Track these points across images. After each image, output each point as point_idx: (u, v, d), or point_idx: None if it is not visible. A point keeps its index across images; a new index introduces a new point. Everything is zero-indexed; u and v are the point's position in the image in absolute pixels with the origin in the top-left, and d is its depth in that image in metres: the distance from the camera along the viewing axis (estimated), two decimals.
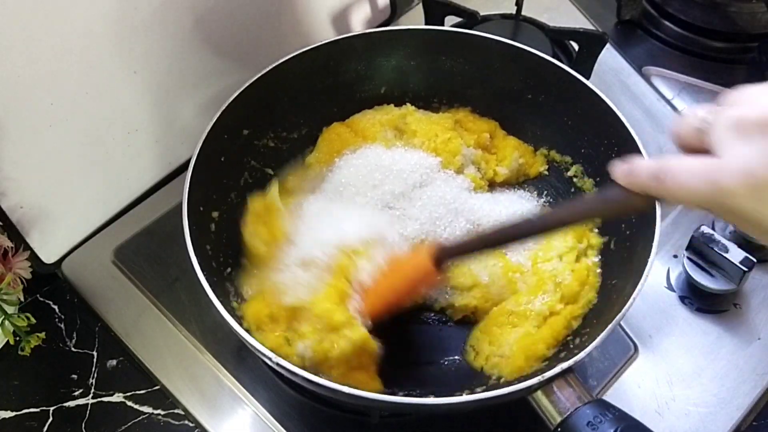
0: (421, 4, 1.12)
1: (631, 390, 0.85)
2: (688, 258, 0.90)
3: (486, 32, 0.94)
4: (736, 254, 0.87)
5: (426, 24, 1.11)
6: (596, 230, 0.88)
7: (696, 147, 0.54)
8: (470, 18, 1.11)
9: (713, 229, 0.90)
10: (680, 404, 0.84)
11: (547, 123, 0.95)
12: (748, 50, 1.16)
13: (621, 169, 0.59)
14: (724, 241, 0.88)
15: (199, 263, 0.72)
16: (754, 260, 0.86)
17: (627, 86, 1.11)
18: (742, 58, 1.16)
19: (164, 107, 0.95)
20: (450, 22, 1.12)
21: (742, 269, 0.86)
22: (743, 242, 0.91)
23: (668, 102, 1.10)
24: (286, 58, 0.88)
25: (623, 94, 1.10)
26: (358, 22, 1.13)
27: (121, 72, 0.89)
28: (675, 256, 0.94)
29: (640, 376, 0.86)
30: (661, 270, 0.94)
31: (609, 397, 0.84)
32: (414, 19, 1.17)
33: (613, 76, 1.12)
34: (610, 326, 0.70)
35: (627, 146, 0.83)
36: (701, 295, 0.91)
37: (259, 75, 0.87)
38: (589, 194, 0.88)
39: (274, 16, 1.00)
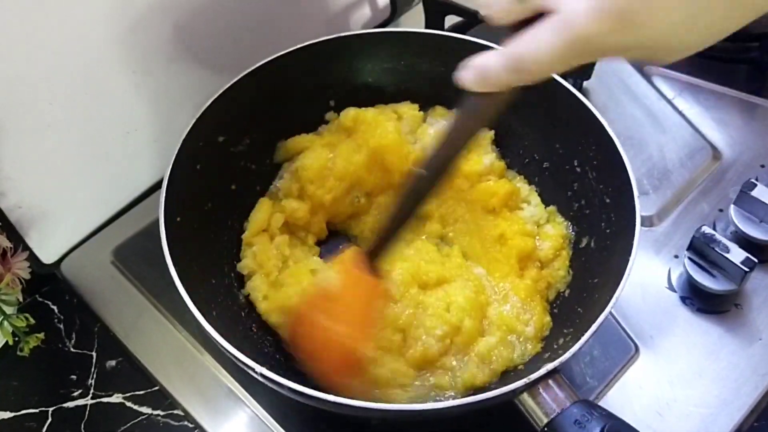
0: (421, 4, 1.11)
1: (632, 391, 0.84)
2: (689, 258, 0.90)
3: (486, 32, 0.94)
4: (737, 254, 0.86)
5: (426, 24, 1.11)
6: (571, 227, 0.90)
7: (517, 19, 0.51)
8: (471, 18, 1.10)
9: (714, 229, 0.90)
10: (681, 405, 0.83)
11: (524, 122, 0.94)
12: (749, 50, 1.15)
13: (468, 76, 0.53)
14: (725, 241, 0.87)
15: (178, 273, 0.73)
16: (755, 260, 0.85)
17: (628, 86, 1.11)
18: (743, 58, 1.15)
19: (163, 107, 0.94)
20: (450, 22, 1.12)
21: (743, 269, 0.85)
22: (744, 242, 0.90)
23: (669, 102, 1.10)
24: (259, 64, 0.88)
25: (624, 94, 1.10)
26: (358, 23, 1.12)
27: (120, 71, 0.88)
28: (676, 257, 0.94)
29: (641, 376, 0.85)
30: (662, 270, 0.93)
31: (610, 397, 0.84)
32: (414, 19, 1.17)
33: (614, 76, 1.11)
34: (594, 326, 0.70)
35: (607, 147, 0.83)
36: (702, 296, 0.90)
37: (234, 81, 0.87)
38: (450, 119, 0.63)
39: (273, 17, 1.00)
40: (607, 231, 0.83)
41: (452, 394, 0.79)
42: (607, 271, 0.78)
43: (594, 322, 0.70)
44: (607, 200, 0.84)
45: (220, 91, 0.86)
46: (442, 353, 0.80)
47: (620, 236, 0.79)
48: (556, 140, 0.91)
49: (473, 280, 0.86)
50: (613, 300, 0.71)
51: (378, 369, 0.78)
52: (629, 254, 0.74)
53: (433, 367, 0.81)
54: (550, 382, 0.67)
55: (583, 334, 0.69)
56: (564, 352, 0.68)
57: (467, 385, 0.79)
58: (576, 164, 0.89)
